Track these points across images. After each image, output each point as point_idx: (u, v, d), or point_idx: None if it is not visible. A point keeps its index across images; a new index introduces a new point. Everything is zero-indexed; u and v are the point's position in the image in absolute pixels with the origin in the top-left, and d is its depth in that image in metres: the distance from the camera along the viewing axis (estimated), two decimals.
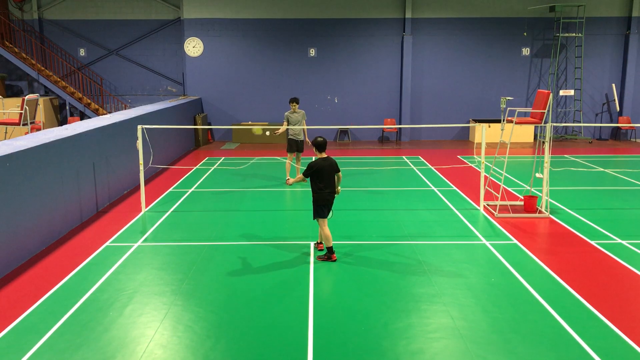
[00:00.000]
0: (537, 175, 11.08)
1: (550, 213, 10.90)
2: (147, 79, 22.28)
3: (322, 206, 8.24)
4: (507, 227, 10.09)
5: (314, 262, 8.26)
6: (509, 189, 12.81)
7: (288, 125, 13.21)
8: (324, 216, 8.30)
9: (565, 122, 21.85)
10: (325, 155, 8.33)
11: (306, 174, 8.24)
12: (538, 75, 21.81)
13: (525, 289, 7.30)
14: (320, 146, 8.30)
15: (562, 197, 12.09)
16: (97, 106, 21.66)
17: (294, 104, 13.33)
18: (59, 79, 21.36)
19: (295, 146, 13.49)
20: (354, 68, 21.72)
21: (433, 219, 10.60)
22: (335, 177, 8.37)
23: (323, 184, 8.16)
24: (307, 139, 13.35)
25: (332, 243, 8.36)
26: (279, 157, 13.42)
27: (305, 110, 21.66)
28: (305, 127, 13.45)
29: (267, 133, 13.45)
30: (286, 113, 13.42)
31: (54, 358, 5.64)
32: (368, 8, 21.34)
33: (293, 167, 13.84)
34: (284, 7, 21.37)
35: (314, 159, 8.47)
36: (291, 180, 8.78)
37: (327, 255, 8.32)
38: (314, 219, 8.40)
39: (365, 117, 21.87)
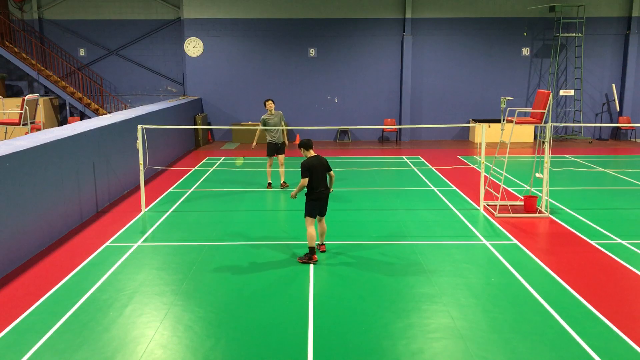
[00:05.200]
0: (537, 175, 11.08)
1: (550, 213, 10.90)
2: (147, 79, 22.27)
3: (314, 203, 8.18)
4: (507, 227, 10.08)
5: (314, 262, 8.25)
6: (509, 189, 12.80)
7: (266, 128, 12.42)
8: (313, 216, 8.26)
9: (565, 122, 21.85)
10: (315, 154, 8.29)
11: (304, 175, 8.11)
12: (538, 75, 21.81)
13: (525, 289, 7.30)
14: (307, 145, 8.26)
15: (562, 197, 12.09)
16: (97, 106, 21.66)
17: (270, 102, 12.51)
18: (59, 79, 21.36)
19: (275, 150, 12.88)
20: (354, 68, 21.71)
21: (433, 219, 10.60)
22: (328, 176, 8.30)
23: (316, 181, 8.12)
24: (286, 140, 12.89)
25: (315, 244, 8.26)
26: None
27: (305, 110, 21.79)
28: (284, 127, 12.78)
29: (253, 146, 12.91)
30: (263, 116, 12.55)
31: (54, 358, 5.64)
32: (368, 8, 21.34)
33: (276, 172, 13.43)
34: (284, 7, 21.37)
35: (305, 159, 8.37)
36: (294, 192, 8.42)
37: (308, 256, 8.21)
38: (305, 217, 8.32)
39: (365, 117, 21.87)
